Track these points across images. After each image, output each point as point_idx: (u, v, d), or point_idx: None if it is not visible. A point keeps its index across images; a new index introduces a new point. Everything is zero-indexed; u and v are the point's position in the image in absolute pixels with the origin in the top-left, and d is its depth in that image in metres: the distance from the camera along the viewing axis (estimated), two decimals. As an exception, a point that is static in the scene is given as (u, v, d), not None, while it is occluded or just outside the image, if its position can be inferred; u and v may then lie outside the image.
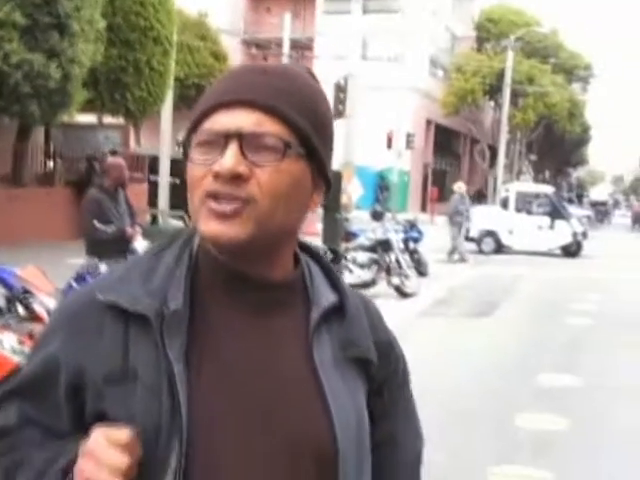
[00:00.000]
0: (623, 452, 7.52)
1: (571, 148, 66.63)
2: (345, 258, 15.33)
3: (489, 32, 53.85)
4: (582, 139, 66.43)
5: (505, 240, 28.76)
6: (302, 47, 43.90)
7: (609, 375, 10.68)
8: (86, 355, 1.44)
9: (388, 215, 20.96)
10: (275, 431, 1.43)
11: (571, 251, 28.99)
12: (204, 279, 1.48)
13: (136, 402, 1.39)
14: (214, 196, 1.39)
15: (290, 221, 1.47)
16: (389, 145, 37.32)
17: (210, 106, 1.42)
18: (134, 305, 1.42)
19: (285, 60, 37.88)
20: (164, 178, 21.00)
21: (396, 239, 16.91)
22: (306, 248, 1.62)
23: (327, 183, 1.51)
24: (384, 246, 16.37)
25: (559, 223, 28.80)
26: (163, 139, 20.96)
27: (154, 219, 15.16)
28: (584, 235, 30.49)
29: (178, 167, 25.11)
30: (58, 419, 1.49)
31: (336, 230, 15.83)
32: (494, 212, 31.19)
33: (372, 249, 16.14)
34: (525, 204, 29.61)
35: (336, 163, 22.52)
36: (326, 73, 40.89)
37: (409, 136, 39.68)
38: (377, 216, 17.59)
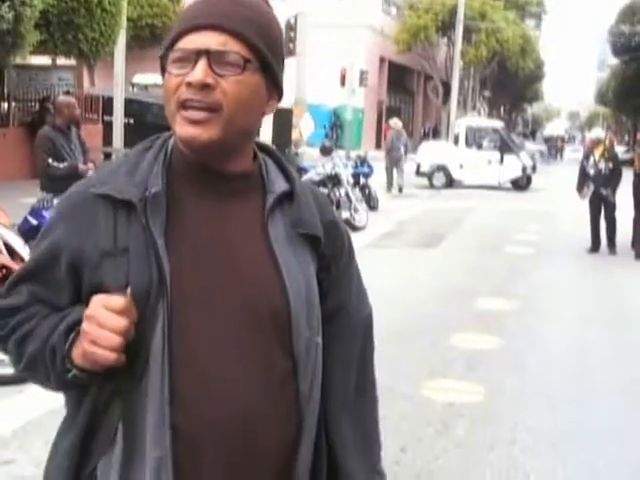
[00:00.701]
0: (550, 369, 8.07)
1: (525, 84, 66.90)
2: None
3: (442, -32, 53.79)
4: (536, 75, 66.74)
5: (456, 175, 29.19)
6: (255, -15, 43.78)
7: (542, 299, 11.26)
8: (84, 237, 1.75)
9: (339, 151, 21.23)
10: (237, 296, 1.76)
11: (520, 185, 29.56)
12: (177, 173, 1.80)
13: (128, 271, 1.70)
14: (187, 103, 1.71)
15: (249, 123, 1.79)
16: (342, 83, 37.37)
17: (185, 28, 1.73)
18: (121, 194, 1.74)
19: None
20: (118, 118, 21.09)
21: (345, 174, 17.23)
22: (263, 147, 1.95)
23: (279, 93, 1.85)
24: (334, 180, 16.73)
25: (509, 158, 29.27)
26: (116, 80, 20.99)
27: (107, 157, 15.41)
28: (533, 169, 31.06)
29: (132, 107, 25.23)
30: (61, 296, 1.80)
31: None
32: (445, 147, 31.63)
33: (322, 184, 16.35)
34: (475, 139, 30.00)
35: (287, 101, 22.77)
36: (277, 11, 40.91)
37: (363, 73, 39.76)
38: (326, 151, 17.81)
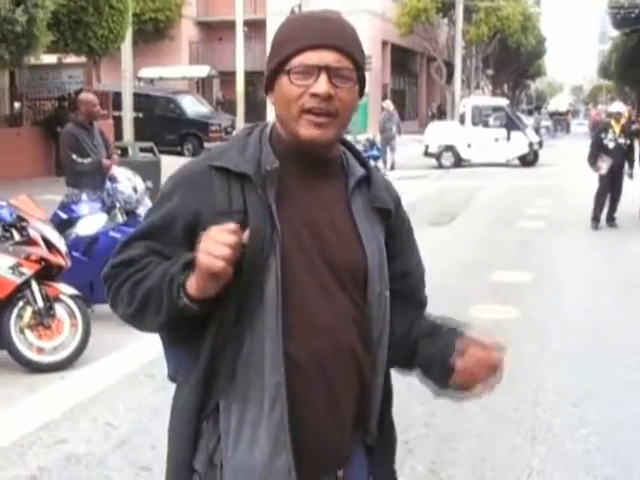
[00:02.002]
0: (567, 334, 8.37)
1: (527, 61, 66.89)
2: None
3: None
4: (537, 51, 66.73)
5: (464, 154, 29.37)
6: (255, -25, 43.86)
7: (555, 270, 11.55)
8: (201, 202, 2.13)
9: (348, 136, 21.43)
10: (328, 255, 2.17)
11: (528, 161, 29.71)
12: (280, 155, 2.17)
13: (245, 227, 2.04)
14: (311, 111, 2.10)
15: (349, 122, 2.22)
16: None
17: (302, 47, 2.10)
18: (237, 167, 2.13)
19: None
20: (127, 112, 21.31)
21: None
22: (342, 140, 2.33)
23: (362, 94, 2.24)
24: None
25: (515, 134, 29.40)
26: (124, 74, 21.18)
27: (124, 151, 15.68)
28: (540, 145, 31.21)
29: (139, 101, 25.48)
30: (175, 251, 2.13)
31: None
32: (451, 127, 31.77)
33: None
34: (481, 118, 30.13)
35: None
36: (279, 1, 40.50)
37: (366, 58, 39.91)
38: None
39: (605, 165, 15.19)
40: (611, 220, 15.51)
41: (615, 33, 68.54)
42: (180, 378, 2.25)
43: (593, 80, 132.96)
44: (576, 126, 64.59)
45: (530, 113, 58.17)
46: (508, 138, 29.23)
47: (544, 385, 6.77)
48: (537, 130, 41.50)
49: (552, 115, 64.55)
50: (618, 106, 16.63)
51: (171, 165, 17.45)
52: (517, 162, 29.59)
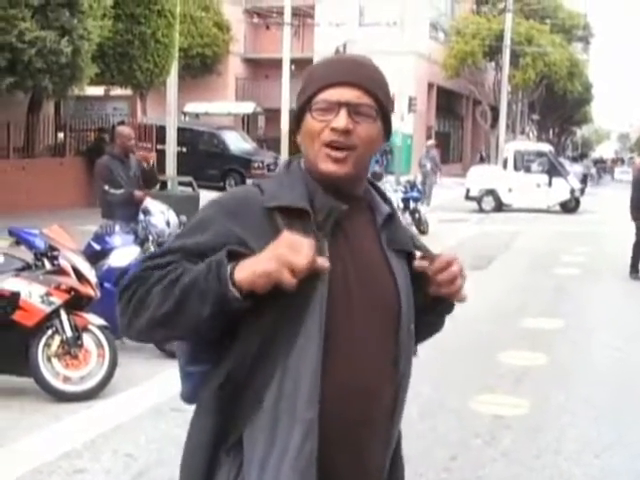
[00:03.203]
0: (594, 383, 8.30)
1: (573, 107, 66.67)
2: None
3: (488, -6, 53.90)
4: (584, 98, 66.46)
5: (505, 198, 29.26)
6: (303, 14, 44.17)
7: (588, 318, 11.47)
8: (250, 234, 2.13)
9: (389, 177, 21.51)
10: (366, 291, 2.20)
11: (569, 207, 29.55)
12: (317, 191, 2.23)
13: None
14: (331, 145, 2.16)
15: (370, 159, 2.29)
16: (392, 109, 37.74)
17: (325, 84, 2.18)
18: (295, 203, 2.16)
19: (287, 28, 38.18)
20: (171, 146, 21.51)
21: (395, 198, 17.51)
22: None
23: (388, 135, 2.30)
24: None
25: (557, 180, 29.26)
26: (169, 109, 21.41)
27: (163, 185, 15.84)
28: (582, 192, 31.07)
29: (184, 135, 25.69)
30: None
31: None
32: (493, 171, 31.72)
33: None
34: (523, 163, 30.08)
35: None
36: (326, 40, 40.76)
37: (411, 99, 40.00)
38: (376, 177, 18.13)
39: None
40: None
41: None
42: (199, 402, 2.24)
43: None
44: (620, 174, 64.10)
45: (575, 160, 57.92)
46: (550, 184, 29.10)
47: (567, 434, 6.71)
48: (584, 177, 41.30)
49: (596, 162, 64.29)
50: None
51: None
52: (558, 208, 29.44)
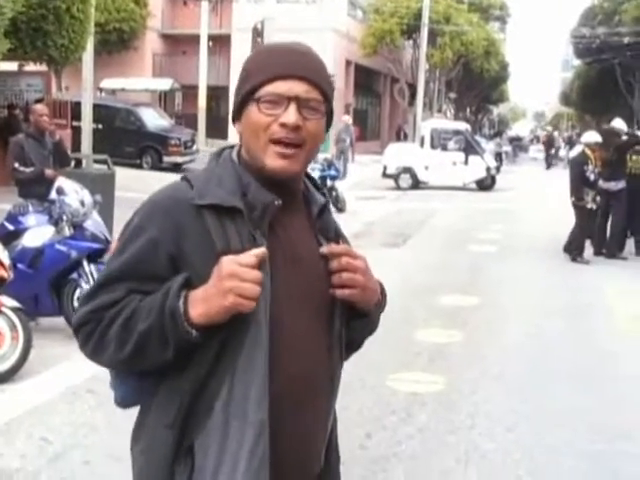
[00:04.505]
0: (508, 358, 8.46)
1: (490, 86, 67.38)
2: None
3: (407, -28, 54.05)
4: (501, 77, 67.23)
5: (421, 176, 29.47)
6: (221, -9, 43.90)
7: (503, 295, 11.65)
8: (183, 236, 2.08)
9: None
10: (304, 284, 2.17)
11: (485, 185, 29.92)
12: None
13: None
14: (280, 141, 2.10)
15: (316, 153, 2.25)
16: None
17: (272, 76, 2.11)
18: (226, 202, 2.09)
19: (204, 3, 37.86)
20: (87, 123, 21.17)
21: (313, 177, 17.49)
22: None
23: (329, 125, 2.25)
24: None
25: (473, 158, 29.62)
26: (85, 85, 21.05)
27: (78, 162, 15.60)
28: (497, 170, 31.50)
29: (100, 112, 25.27)
30: (158, 286, 2.08)
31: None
32: (410, 149, 31.94)
33: None
34: (440, 141, 30.34)
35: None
36: (244, 17, 40.45)
37: (330, 76, 40.02)
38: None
39: (590, 198, 14.81)
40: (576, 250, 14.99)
41: (577, 62, 69.36)
42: (150, 417, 2.18)
43: (555, 107, 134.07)
44: (535, 152, 65.07)
45: (492, 138, 58.65)
46: (466, 162, 29.44)
47: (481, 409, 6.83)
48: (498, 155, 41.86)
49: (512, 140, 65.15)
50: (594, 136, 15.68)
51: (128, 178, 17.35)
52: (474, 186, 29.78)
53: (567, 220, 15.46)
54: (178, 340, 2.02)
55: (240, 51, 33.58)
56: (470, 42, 50.18)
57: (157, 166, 28.43)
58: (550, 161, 51.68)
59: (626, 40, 46.83)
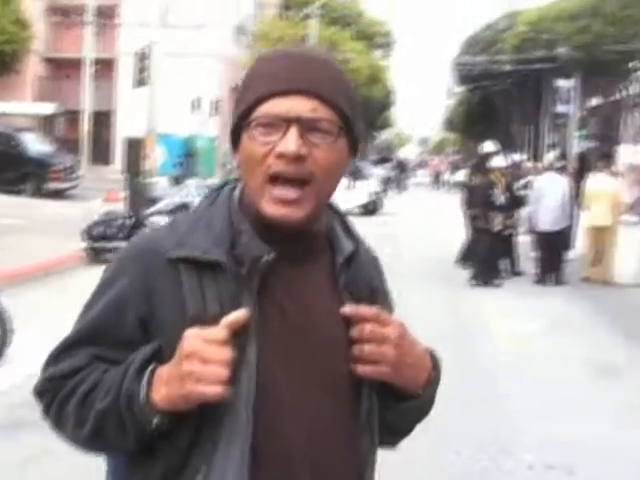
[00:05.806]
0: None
1: (375, 112, 68.26)
2: (143, 224, 15.12)
3: (293, -1, 54.53)
4: (385, 103, 68.19)
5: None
6: (106, 14, 43.48)
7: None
8: (157, 293, 1.66)
9: (191, 181, 21.26)
10: (315, 357, 1.68)
11: (369, 209, 30.24)
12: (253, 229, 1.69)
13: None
14: (278, 178, 1.60)
15: (335, 188, 1.70)
16: (193, 111, 37.53)
17: (268, 92, 1.61)
18: (206, 254, 1.64)
19: (89, 27, 37.43)
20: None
21: (196, 203, 17.23)
22: (329, 205, 1.82)
23: (356, 152, 1.73)
24: (183, 210, 16.76)
25: (359, 183, 29.92)
26: (-36, 108, 20.68)
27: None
28: (384, 193, 31.87)
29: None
30: (127, 353, 1.65)
31: (140, 195, 16.35)
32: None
33: (172, 213, 15.88)
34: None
35: (139, 130, 22.77)
36: (130, 40, 40.09)
37: (212, 103, 40.08)
38: (177, 181, 17.97)
39: (497, 221, 14.85)
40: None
41: (460, 89, 70.92)
42: None
43: (440, 133, 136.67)
44: (422, 177, 66.13)
45: (377, 163, 59.35)
46: (352, 187, 29.67)
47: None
48: (387, 180, 42.42)
49: (398, 166, 66.09)
50: (489, 146, 15.87)
51: (8, 206, 16.96)
52: (358, 210, 29.99)
53: (450, 241, 15.66)
54: (137, 429, 1.62)
55: (125, 75, 33.33)
56: (355, 70, 50.80)
57: (38, 192, 27.89)
58: (437, 185, 53.05)
59: (507, 67, 48.16)
